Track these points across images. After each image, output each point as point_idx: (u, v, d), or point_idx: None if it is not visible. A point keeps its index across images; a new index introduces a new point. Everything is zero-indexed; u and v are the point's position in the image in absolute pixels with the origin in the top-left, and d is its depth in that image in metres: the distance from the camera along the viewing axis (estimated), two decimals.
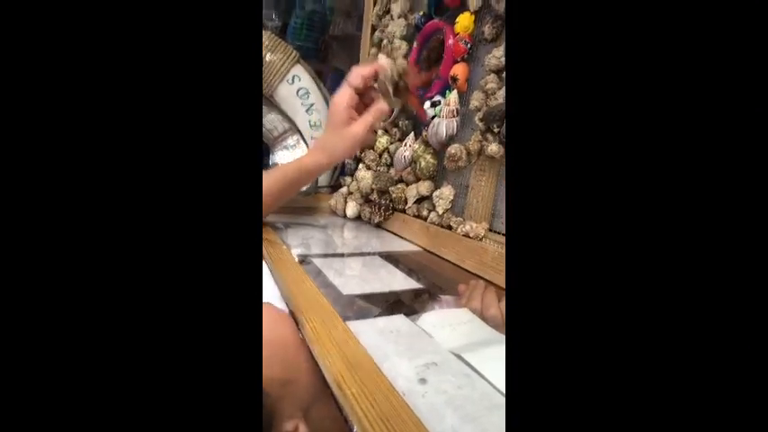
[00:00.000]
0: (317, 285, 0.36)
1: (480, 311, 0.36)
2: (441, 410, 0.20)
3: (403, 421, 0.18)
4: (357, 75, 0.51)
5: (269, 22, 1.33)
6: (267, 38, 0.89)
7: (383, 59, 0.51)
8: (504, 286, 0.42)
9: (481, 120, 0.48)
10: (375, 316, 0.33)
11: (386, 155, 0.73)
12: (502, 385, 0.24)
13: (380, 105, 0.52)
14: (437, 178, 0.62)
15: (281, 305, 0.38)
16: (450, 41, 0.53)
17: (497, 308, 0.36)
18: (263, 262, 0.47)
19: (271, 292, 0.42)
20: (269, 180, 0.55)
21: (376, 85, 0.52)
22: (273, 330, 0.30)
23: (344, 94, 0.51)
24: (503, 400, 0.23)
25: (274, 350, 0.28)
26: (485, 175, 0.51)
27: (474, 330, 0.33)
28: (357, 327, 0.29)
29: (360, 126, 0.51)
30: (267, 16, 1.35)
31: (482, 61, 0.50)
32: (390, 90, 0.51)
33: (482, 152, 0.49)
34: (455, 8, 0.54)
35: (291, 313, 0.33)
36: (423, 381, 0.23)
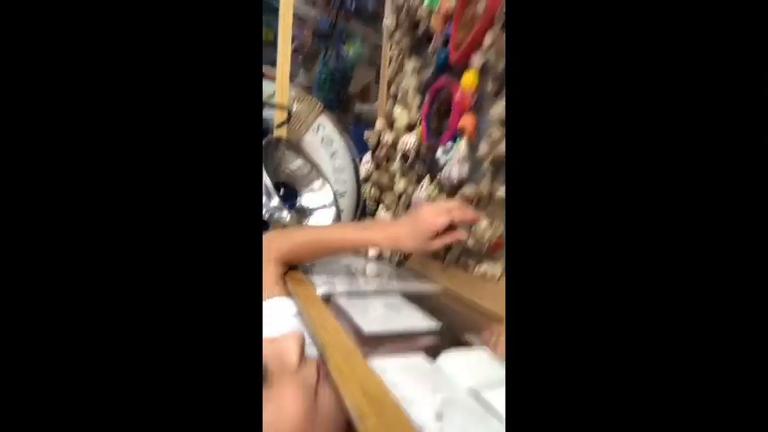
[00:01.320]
0: (341, 323, 0.39)
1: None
2: None
3: None
4: (462, 212, 0.52)
5: (296, 78, 1.47)
6: (296, 91, 0.99)
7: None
8: None
9: (491, 164, 0.51)
10: (393, 354, 0.35)
11: (404, 196, 0.78)
12: None
13: (461, 235, 0.53)
14: None
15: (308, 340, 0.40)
16: (457, 96, 0.59)
17: None
18: (292, 299, 0.50)
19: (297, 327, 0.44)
20: (339, 232, 0.58)
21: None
22: (283, 409, 0.29)
23: (443, 214, 0.51)
24: None
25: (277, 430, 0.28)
26: (498, 217, 0.53)
27: (491, 369, 0.35)
28: (377, 364, 0.31)
29: (438, 242, 0.52)
30: (295, 73, 1.50)
31: (487, 113, 0.54)
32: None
33: (492, 196, 0.53)
34: (461, 67, 0.60)
35: (316, 347, 0.35)
36: (439, 416, 0.25)
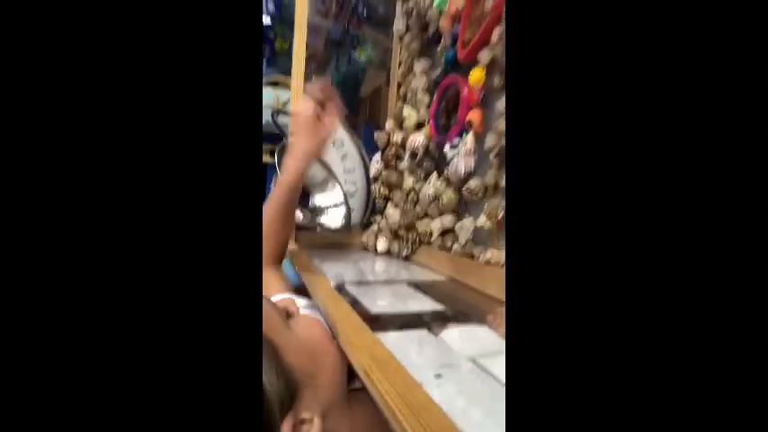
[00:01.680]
0: (351, 305, 0.41)
1: None
2: (452, 396, 0.24)
3: (417, 398, 0.22)
4: (313, 89, 0.61)
5: (308, 81, 1.52)
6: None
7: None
8: None
9: (497, 156, 0.53)
10: (400, 329, 0.37)
11: (412, 193, 0.79)
12: None
13: (337, 102, 0.61)
14: (459, 211, 0.66)
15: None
16: (465, 91, 0.61)
17: None
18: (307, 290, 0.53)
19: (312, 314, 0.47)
20: (268, 207, 0.60)
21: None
22: (307, 331, 0.35)
23: (309, 106, 0.59)
24: None
25: (306, 346, 0.33)
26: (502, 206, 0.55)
27: (490, 342, 0.36)
28: (383, 336, 0.33)
29: (329, 121, 0.60)
30: (307, 77, 1.55)
31: (494, 107, 0.56)
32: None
33: (497, 186, 0.54)
34: (469, 64, 0.63)
35: (330, 328, 0.37)
36: (438, 375, 0.27)
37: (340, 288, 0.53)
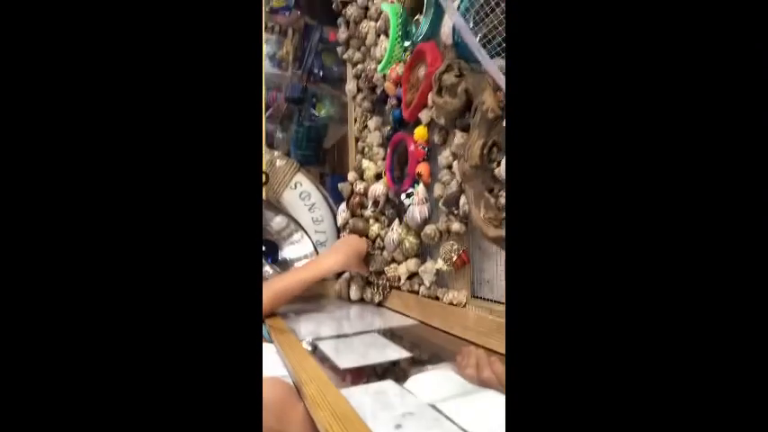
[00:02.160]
0: (319, 362, 0.43)
1: (476, 377, 0.41)
2: None
3: None
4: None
5: (275, 136, 1.59)
6: (276, 152, 1.08)
7: None
8: (487, 347, 0.47)
9: (443, 204, 0.58)
10: (365, 383, 0.39)
11: (378, 240, 0.83)
12: (466, 423, 0.29)
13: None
14: (422, 255, 0.71)
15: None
16: (412, 147, 0.67)
17: (489, 370, 0.40)
18: (274, 347, 0.54)
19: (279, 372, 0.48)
20: (294, 277, 0.72)
21: None
22: (270, 392, 0.37)
23: (364, 246, 0.80)
24: None
25: (269, 406, 0.35)
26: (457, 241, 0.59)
27: (452, 385, 0.39)
28: (349, 391, 0.35)
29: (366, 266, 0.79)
30: (272, 131, 1.62)
31: (437, 160, 0.62)
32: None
33: (450, 230, 0.59)
34: (413, 122, 0.70)
35: (295, 385, 0.39)
36: (398, 426, 0.29)
37: (314, 346, 0.55)
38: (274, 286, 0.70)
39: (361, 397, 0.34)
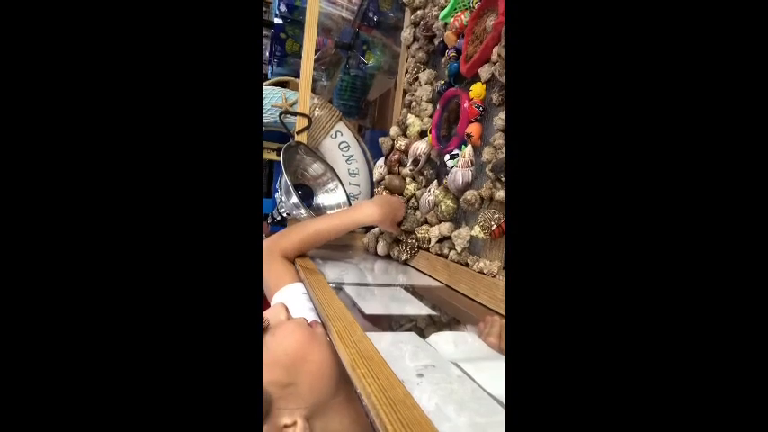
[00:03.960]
0: (346, 305, 0.44)
1: (498, 345, 0.41)
2: (430, 394, 0.26)
3: (397, 392, 0.25)
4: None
5: (319, 82, 1.55)
6: (317, 98, 1.06)
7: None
8: None
9: (491, 170, 0.55)
10: (390, 330, 0.39)
11: (413, 199, 0.82)
12: (489, 387, 0.29)
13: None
14: (457, 220, 0.69)
15: (313, 315, 0.46)
16: (466, 105, 0.63)
17: None
18: (303, 285, 0.56)
19: (308, 310, 0.50)
20: (328, 221, 0.73)
21: None
22: (285, 342, 0.38)
23: (403, 211, 0.78)
24: (486, 396, 0.28)
25: (280, 359, 0.36)
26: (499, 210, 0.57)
27: (475, 348, 0.38)
28: (372, 336, 0.35)
29: (398, 228, 0.78)
30: (317, 77, 1.58)
31: (492, 122, 0.58)
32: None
33: (492, 197, 0.57)
34: (470, 78, 0.65)
35: (323, 323, 0.40)
36: (420, 375, 0.29)
37: (339, 289, 0.56)
38: (308, 228, 0.71)
39: (383, 342, 0.35)
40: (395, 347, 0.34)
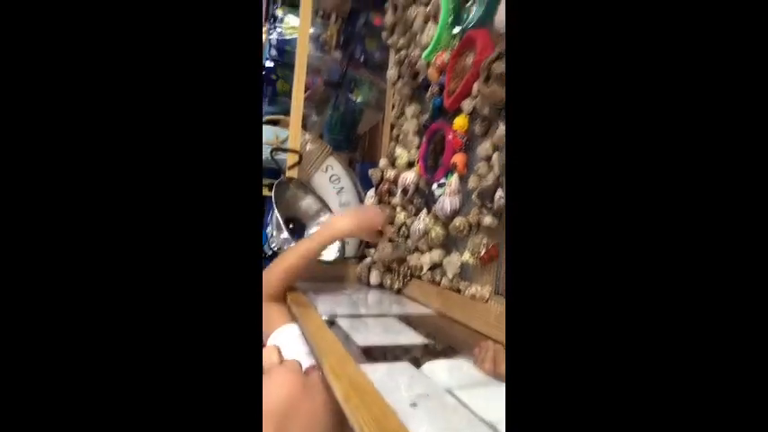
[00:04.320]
0: (338, 338, 0.43)
1: (493, 371, 0.40)
2: (424, 423, 0.26)
3: (390, 423, 0.24)
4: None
5: (309, 118, 1.60)
6: (308, 134, 1.09)
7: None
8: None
9: (477, 197, 0.57)
10: (381, 361, 0.39)
11: (404, 228, 0.83)
12: (484, 413, 0.29)
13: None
14: (447, 246, 0.70)
15: (308, 359, 0.45)
16: (450, 136, 0.66)
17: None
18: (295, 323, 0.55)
19: (303, 354, 0.49)
20: (304, 246, 0.69)
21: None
22: (275, 392, 0.35)
23: (379, 215, 0.74)
24: (480, 422, 0.27)
25: (270, 412, 0.34)
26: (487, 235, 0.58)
27: (470, 375, 0.38)
28: (365, 368, 0.35)
29: (377, 237, 0.75)
30: (308, 113, 1.63)
31: (476, 151, 0.61)
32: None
33: (480, 224, 0.58)
34: (454, 111, 0.68)
35: (316, 359, 0.39)
36: (414, 405, 0.29)
37: (331, 322, 0.55)
38: (284, 262, 0.67)
39: (377, 374, 0.34)
40: (389, 378, 0.34)
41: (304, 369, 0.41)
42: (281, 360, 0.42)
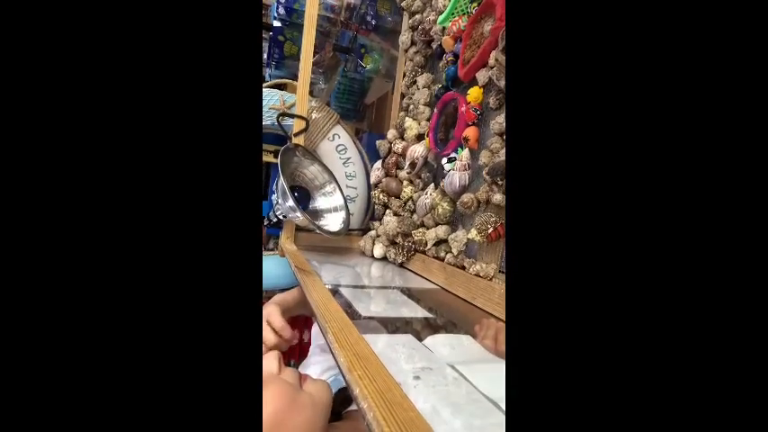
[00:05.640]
0: (343, 308, 0.44)
1: (494, 348, 0.41)
2: (427, 396, 0.26)
3: (394, 395, 0.24)
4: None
5: (317, 85, 1.55)
6: (315, 101, 1.06)
7: None
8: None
9: (488, 173, 0.56)
10: (387, 333, 0.39)
11: (410, 202, 0.82)
12: (485, 389, 0.29)
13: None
14: (453, 223, 0.69)
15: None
16: (463, 109, 0.63)
17: None
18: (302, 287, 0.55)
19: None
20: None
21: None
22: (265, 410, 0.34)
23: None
24: (482, 398, 0.28)
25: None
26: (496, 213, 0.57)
27: (471, 351, 0.38)
28: (369, 338, 0.35)
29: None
30: (315, 80, 1.58)
31: (489, 125, 0.59)
32: None
33: (489, 201, 0.57)
34: (468, 82, 0.65)
35: (319, 325, 0.40)
36: (417, 377, 0.29)
37: (335, 291, 0.56)
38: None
39: (380, 344, 0.35)
40: (391, 350, 0.34)
41: (301, 375, 0.41)
42: (281, 369, 0.41)
